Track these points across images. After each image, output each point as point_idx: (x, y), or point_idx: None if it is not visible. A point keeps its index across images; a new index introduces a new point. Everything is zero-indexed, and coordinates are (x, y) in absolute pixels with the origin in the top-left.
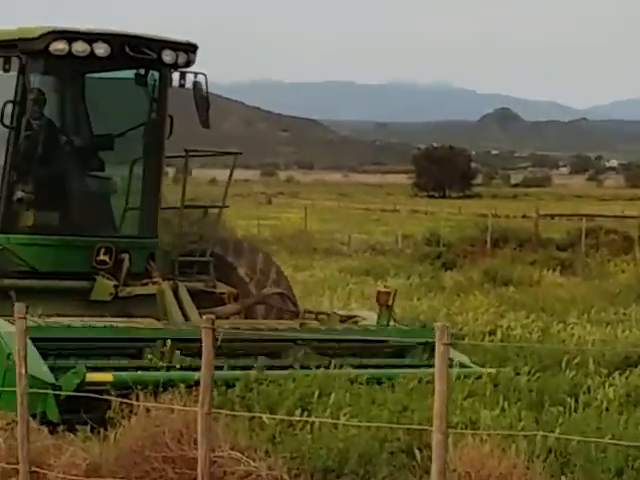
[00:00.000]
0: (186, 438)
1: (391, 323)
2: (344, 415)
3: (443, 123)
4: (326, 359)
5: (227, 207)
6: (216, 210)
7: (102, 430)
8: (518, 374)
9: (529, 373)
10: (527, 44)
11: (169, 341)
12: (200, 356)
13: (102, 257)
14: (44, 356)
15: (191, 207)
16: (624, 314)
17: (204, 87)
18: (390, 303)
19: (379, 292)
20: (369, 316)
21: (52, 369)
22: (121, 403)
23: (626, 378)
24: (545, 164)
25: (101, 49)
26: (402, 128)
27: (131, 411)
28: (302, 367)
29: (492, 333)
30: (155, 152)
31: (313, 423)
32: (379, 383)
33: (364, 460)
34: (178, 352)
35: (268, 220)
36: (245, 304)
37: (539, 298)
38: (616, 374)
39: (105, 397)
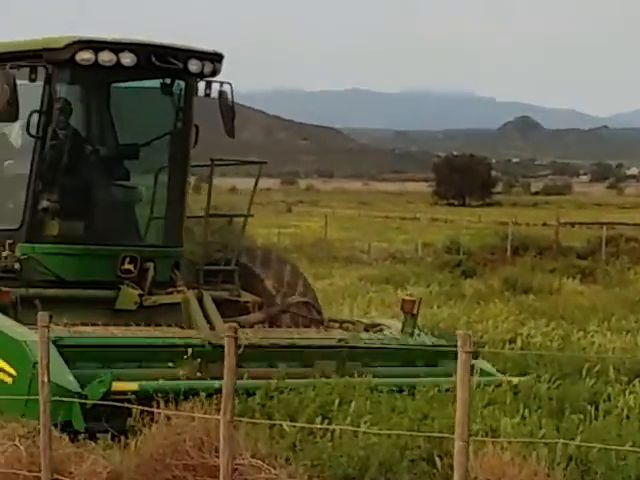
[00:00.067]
0: (207, 446)
1: (415, 331)
2: (365, 423)
3: (463, 131)
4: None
5: (252, 216)
6: (239, 219)
7: (123, 438)
8: (539, 382)
9: (549, 381)
10: (547, 52)
11: (190, 349)
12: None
13: (127, 266)
14: (69, 364)
15: (216, 216)
16: None
17: (230, 96)
18: (415, 312)
19: (404, 300)
20: (393, 324)
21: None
22: (142, 411)
23: None
24: (565, 172)
25: (127, 59)
26: (421, 136)
27: (152, 419)
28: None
29: (512, 341)
30: (180, 161)
31: (334, 431)
32: (403, 391)
33: (385, 468)
34: (200, 360)
35: (288, 228)
36: (270, 313)
37: (559, 306)
38: (636, 382)
39: (127, 405)
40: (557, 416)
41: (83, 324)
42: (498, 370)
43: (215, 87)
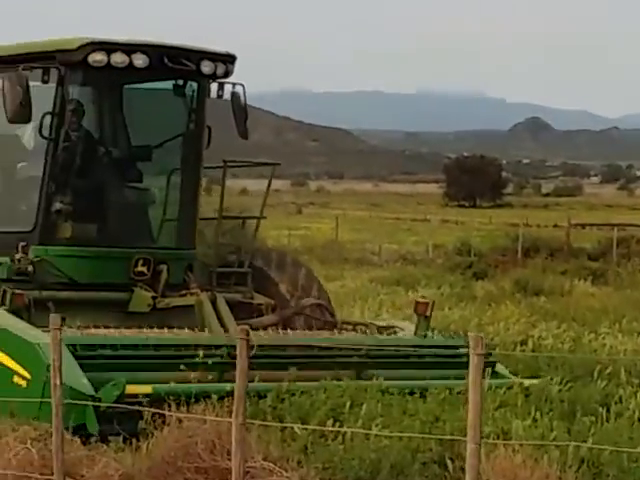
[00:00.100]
0: (218, 449)
1: (429, 333)
2: (376, 425)
3: (473, 132)
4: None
5: (265, 218)
6: (251, 220)
7: (134, 441)
8: (550, 384)
9: (561, 383)
10: (557, 53)
11: (201, 351)
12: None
13: (140, 268)
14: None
15: (229, 217)
16: None
17: (242, 98)
18: (428, 314)
19: (417, 302)
20: (406, 326)
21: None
22: (153, 414)
23: None
24: (576, 173)
25: (140, 60)
26: (432, 137)
27: (163, 422)
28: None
29: (523, 343)
30: (193, 163)
31: (345, 433)
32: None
33: (396, 471)
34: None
35: (299, 230)
36: (283, 315)
37: (570, 308)
38: None
39: (139, 408)
40: (568, 418)
41: (96, 326)
42: (511, 372)
43: (227, 88)
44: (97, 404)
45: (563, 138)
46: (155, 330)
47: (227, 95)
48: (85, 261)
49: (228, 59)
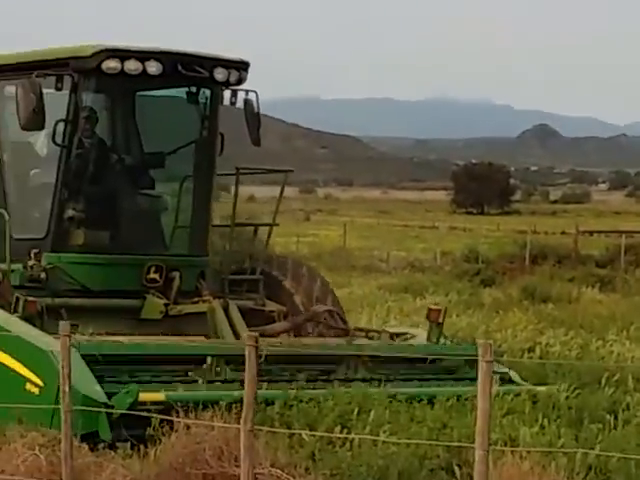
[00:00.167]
0: (226, 455)
1: (441, 340)
2: (384, 432)
3: (482, 139)
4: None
5: (277, 225)
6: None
7: (142, 447)
8: (557, 391)
9: (568, 390)
10: (565, 60)
11: (210, 358)
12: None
13: (152, 275)
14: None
15: (242, 225)
16: None
17: (255, 105)
18: (441, 320)
19: (430, 309)
20: (418, 333)
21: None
22: (161, 420)
23: None
24: (584, 180)
25: (153, 67)
26: (440, 145)
27: (171, 428)
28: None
29: (531, 350)
30: (206, 170)
31: (353, 440)
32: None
33: (404, 477)
34: (227, 369)
35: (307, 237)
36: (295, 322)
37: (578, 315)
38: None
39: (148, 415)
40: (576, 425)
41: (108, 334)
42: (522, 378)
43: (241, 95)
44: (110, 411)
45: (571, 145)
46: (167, 337)
47: (240, 102)
48: (97, 268)
49: (241, 66)
